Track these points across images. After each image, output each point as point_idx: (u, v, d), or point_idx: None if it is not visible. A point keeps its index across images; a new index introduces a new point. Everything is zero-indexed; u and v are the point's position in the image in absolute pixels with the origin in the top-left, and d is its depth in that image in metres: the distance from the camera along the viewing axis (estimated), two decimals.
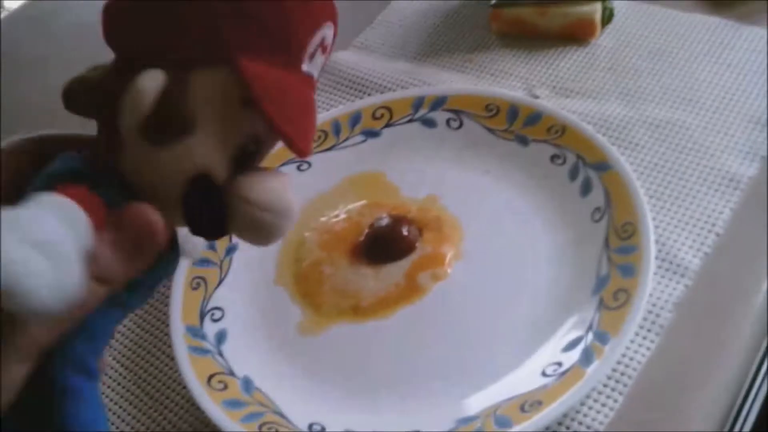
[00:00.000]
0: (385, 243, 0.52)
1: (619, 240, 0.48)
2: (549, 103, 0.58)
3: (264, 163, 0.31)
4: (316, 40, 0.30)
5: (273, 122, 0.27)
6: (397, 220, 0.53)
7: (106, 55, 0.30)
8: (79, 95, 0.29)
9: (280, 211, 0.30)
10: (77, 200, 0.25)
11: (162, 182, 0.28)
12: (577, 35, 0.63)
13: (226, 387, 0.47)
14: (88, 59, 0.30)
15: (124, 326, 0.54)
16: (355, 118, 0.61)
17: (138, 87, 0.27)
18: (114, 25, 0.29)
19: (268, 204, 0.29)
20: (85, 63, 0.30)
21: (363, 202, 0.56)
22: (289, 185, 0.31)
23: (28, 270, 0.22)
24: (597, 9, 0.62)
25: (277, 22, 0.28)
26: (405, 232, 0.52)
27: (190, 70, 0.27)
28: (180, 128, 0.27)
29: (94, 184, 0.27)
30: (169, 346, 0.49)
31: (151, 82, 0.27)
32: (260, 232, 0.30)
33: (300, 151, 0.28)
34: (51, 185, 0.27)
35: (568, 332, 0.45)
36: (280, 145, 0.56)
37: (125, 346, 0.53)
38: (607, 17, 0.64)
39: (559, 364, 0.44)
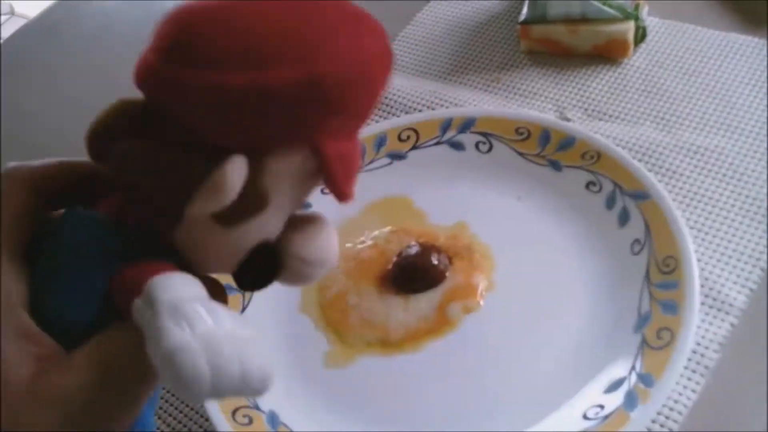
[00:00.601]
0: (415, 272, 0.50)
1: (661, 275, 0.46)
2: (581, 126, 0.57)
3: None
4: None
5: (339, 189, 0.26)
6: (427, 249, 0.51)
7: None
8: (125, 159, 0.27)
9: (328, 264, 0.30)
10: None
11: (223, 255, 0.27)
12: (608, 55, 0.62)
13: (251, 421, 0.46)
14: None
15: None
16: (381, 140, 0.59)
17: (225, 177, 0.24)
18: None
19: (320, 261, 0.29)
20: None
21: (389, 228, 0.55)
22: (334, 236, 0.30)
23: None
24: (630, 28, 0.60)
25: (365, 106, 0.27)
26: (435, 261, 0.50)
27: (268, 154, 0.26)
28: (256, 210, 0.26)
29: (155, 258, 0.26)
30: None
31: (238, 171, 0.25)
32: (306, 281, 0.30)
33: (346, 198, 0.27)
34: (113, 263, 0.26)
35: (609, 372, 0.44)
36: None
37: None
38: (640, 36, 0.62)
39: (601, 406, 0.42)
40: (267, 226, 0.27)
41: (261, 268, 0.28)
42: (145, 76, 0.26)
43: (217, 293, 0.29)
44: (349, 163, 0.27)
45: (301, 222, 0.29)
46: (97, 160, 0.28)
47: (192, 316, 0.23)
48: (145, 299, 0.24)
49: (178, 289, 0.24)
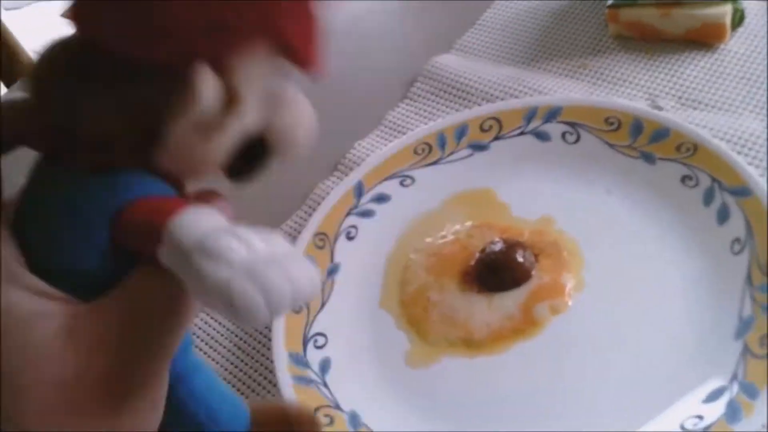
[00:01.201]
0: (499, 270, 0.49)
1: (764, 277, 0.43)
2: (675, 115, 0.54)
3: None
4: None
5: (305, 63, 0.27)
6: (512, 245, 0.49)
7: None
8: (81, 103, 0.26)
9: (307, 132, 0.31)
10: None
11: (210, 160, 0.28)
12: (704, 40, 0.58)
13: (332, 421, 0.45)
14: None
15: (221, 353, 0.52)
16: (462, 131, 0.57)
17: (198, 85, 0.25)
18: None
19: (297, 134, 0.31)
20: None
21: (471, 222, 0.53)
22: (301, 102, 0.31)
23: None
24: (727, 11, 0.57)
25: None
26: (520, 259, 0.48)
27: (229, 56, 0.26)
28: (232, 111, 0.27)
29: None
30: (272, 372, 0.47)
31: (206, 78, 0.25)
32: (297, 150, 0.31)
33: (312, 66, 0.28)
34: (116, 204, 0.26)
35: (707, 380, 0.41)
36: (381, 161, 0.54)
37: (226, 370, 0.51)
38: (738, 20, 0.58)
39: (700, 417, 0.40)
40: (246, 120, 0.27)
41: (251, 156, 0.29)
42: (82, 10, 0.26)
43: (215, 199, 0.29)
44: (306, 32, 0.27)
45: (277, 103, 0.29)
46: (41, 102, 0.27)
47: (226, 251, 0.23)
48: (169, 247, 0.24)
49: (200, 227, 0.24)
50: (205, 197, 0.29)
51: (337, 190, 0.55)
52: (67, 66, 0.27)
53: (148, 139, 0.26)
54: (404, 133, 0.61)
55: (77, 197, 0.27)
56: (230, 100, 0.26)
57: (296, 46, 0.27)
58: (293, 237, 0.56)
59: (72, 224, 0.26)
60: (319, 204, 0.56)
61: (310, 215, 0.56)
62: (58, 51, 0.27)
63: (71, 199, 0.27)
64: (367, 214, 0.55)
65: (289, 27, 0.26)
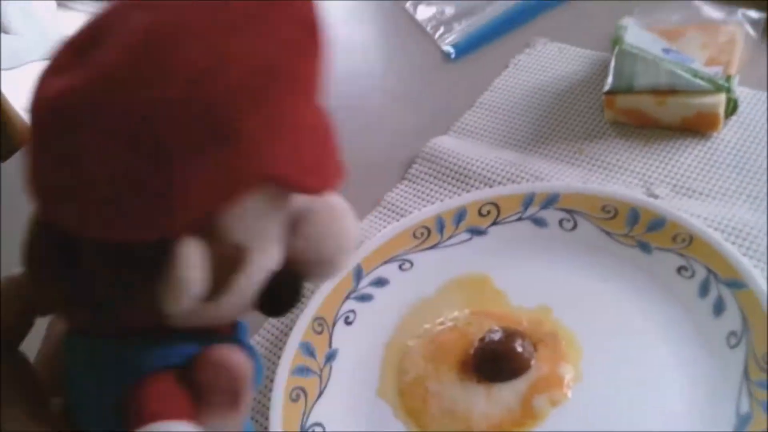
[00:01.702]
0: (498, 360, 0.49)
1: (761, 372, 0.43)
2: (670, 204, 0.54)
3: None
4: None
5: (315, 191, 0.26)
6: (511, 335, 0.49)
7: None
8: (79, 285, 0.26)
9: (344, 254, 0.30)
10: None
11: (231, 311, 0.27)
12: (698, 128, 0.59)
13: None
14: None
15: None
16: (460, 215, 0.58)
17: (181, 271, 0.24)
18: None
19: (333, 257, 0.29)
20: None
21: (469, 309, 0.53)
22: (335, 219, 0.30)
23: None
24: (721, 101, 0.58)
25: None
26: (519, 349, 0.49)
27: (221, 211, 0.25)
28: (239, 269, 0.26)
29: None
30: None
31: (192, 256, 0.24)
32: (333, 273, 0.30)
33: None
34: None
35: None
36: (380, 243, 0.54)
37: None
38: (731, 109, 0.59)
39: None
40: (263, 263, 0.26)
41: (282, 288, 0.28)
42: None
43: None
44: (311, 164, 0.26)
45: (299, 223, 0.28)
46: (41, 284, 0.27)
47: None
48: None
49: None
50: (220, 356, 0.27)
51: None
52: (53, 253, 0.26)
53: (153, 320, 0.26)
54: (403, 215, 0.61)
55: (95, 369, 0.27)
56: (234, 256, 0.25)
57: (306, 184, 0.25)
58: (292, 320, 0.56)
59: (94, 392, 0.27)
60: (317, 286, 0.56)
61: (308, 297, 0.56)
62: (41, 234, 0.27)
63: (92, 370, 0.27)
64: (365, 298, 0.55)
65: (291, 165, 0.25)
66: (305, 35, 0.25)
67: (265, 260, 0.27)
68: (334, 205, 0.29)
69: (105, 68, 0.23)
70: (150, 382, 0.26)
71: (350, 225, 0.29)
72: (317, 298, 0.54)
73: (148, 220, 0.23)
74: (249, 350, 0.28)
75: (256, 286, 0.27)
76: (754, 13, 0.63)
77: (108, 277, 0.25)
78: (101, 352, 0.27)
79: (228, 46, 0.23)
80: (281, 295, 0.28)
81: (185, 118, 0.23)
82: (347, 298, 0.55)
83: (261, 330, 0.57)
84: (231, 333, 0.30)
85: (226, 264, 0.25)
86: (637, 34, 0.62)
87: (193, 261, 0.24)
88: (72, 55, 0.25)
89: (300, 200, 0.28)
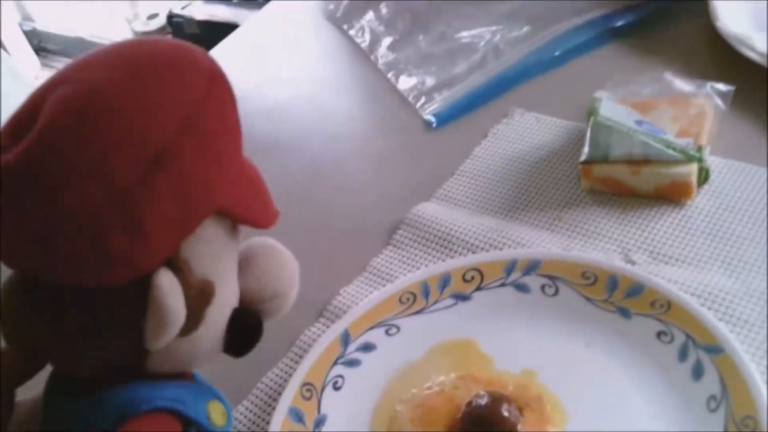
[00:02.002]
0: (485, 425, 0.49)
1: None
2: (647, 270, 0.56)
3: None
4: None
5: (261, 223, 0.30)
6: (497, 399, 0.50)
7: None
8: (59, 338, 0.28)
9: (290, 291, 0.35)
10: None
11: (203, 350, 0.29)
12: (672, 197, 0.62)
13: None
14: None
15: None
16: (445, 280, 0.59)
17: (163, 305, 0.26)
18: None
19: (280, 292, 0.34)
20: None
21: (455, 374, 0.54)
22: (279, 257, 0.35)
23: None
24: (693, 170, 0.61)
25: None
26: (506, 413, 0.50)
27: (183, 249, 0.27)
28: (209, 301, 0.28)
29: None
30: None
31: (170, 289, 0.26)
32: (284, 310, 0.34)
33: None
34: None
35: None
36: (367, 309, 0.55)
37: None
38: (704, 177, 0.62)
39: None
40: (227, 297, 0.28)
41: (243, 326, 0.30)
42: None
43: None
44: (252, 192, 0.29)
45: (245, 263, 0.31)
46: (19, 346, 0.29)
47: None
48: None
49: None
50: None
51: (324, 338, 0.57)
52: (29, 304, 0.28)
53: (135, 361, 0.27)
54: (388, 280, 0.63)
55: (76, 422, 0.28)
56: (202, 289, 0.27)
57: (250, 215, 0.29)
58: (280, 385, 0.56)
59: None
60: (305, 351, 0.57)
61: (296, 362, 0.57)
62: (17, 286, 0.28)
63: (74, 421, 0.28)
64: (353, 363, 0.56)
65: (237, 198, 0.28)
66: (214, 86, 0.29)
67: (228, 294, 0.29)
68: (272, 244, 0.32)
69: (42, 135, 0.26)
70: (136, 425, 0.27)
71: (290, 261, 0.33)
72: (305, 364, 0.55)
73: (125, 260, 0.26)
74: (213, 392, 0.30)
75: (224, 319, 0.29)
76: (722, 86, 0.66)
77: (90, 321, 0.26)
78: (80, 406, 0.28)
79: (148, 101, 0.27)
80: (244, 332, 0.31)
81: (133, 158, 0.26)
82: (335, 363, 0.56)
83: (249, 395, 0.57)
84: (192, 380, 0.32)
85: (197, 296, 0.27)
86: (611, 107, 0.65)
87: (171, 289, 0.26)
88: (14, 129, 0.28)
89: (241, 245, 0.31)
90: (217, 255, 0.28)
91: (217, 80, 0.29)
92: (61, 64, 2.27)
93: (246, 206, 0.29)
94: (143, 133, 0.26)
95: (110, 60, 0.28)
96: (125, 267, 0.25)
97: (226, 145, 0.28)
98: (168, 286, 0.26)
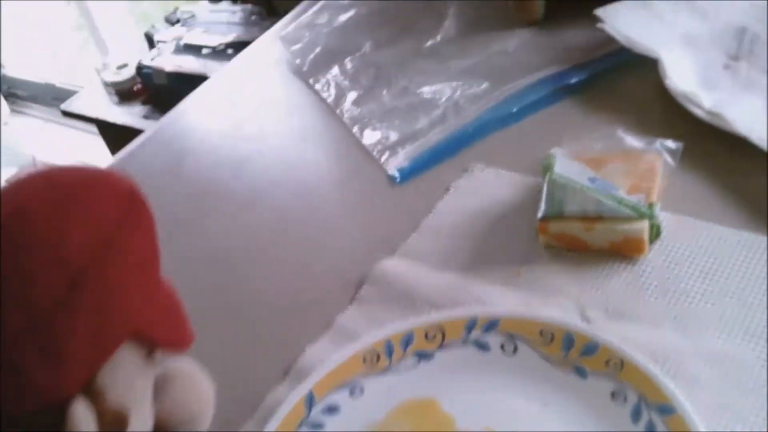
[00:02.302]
0: None
1: None
2: (602, 327, 0.58)
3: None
4: None
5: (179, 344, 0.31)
6: None
7: None
8: None
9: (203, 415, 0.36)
10: None
11: None
12: (626, 252, 0.64)
13: None
14: None
15: None
16: (408, 339, 0.61)
17: (81, 428, 0.27)
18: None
19: (193, 417, 0.35)
20: None
21: None
22: (192, 383, 0.36)
23: None
24: (645, 227, 0.63)
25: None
26: None
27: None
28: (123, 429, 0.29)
29: None
30: None
31: (86, 419, 0.27)
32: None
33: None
34: None
35: None
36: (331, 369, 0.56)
37: None
38: (655, 234, 0.64)
39: None
40: (141, 424, 0.29)
41: None
42: None
43: None
44: (169, 314, 0.30)
45: (161, 387, 0.32)
46: None
47: None
48: None
49: None
50: None
51: (288, 401, 0.58)
52: None
53: None
54: (354, 338, 0.64)
55: None
56: (116, 418, 0.28)
57: (167, 338, 0.30)
58: None
59: None
60: (270, 413, 0.58)
61: (261, 426, 0.58)
62: None
63: None
64: (317, 426, 0.57)
65: (153, 322, 0.29)
66: (133, 210, 0.31)
67: (142, 421, 0.30)
68: (189, 367, 0.33)
69: None
70: None
71: (205, 383, 0.34)
72: (269, 428, 0.56)
73: (43, 386, 0.27)
74: None
75: None
76: (671, 143, 0.68)
77: None
78: None
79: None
80: None
81: (53, 279, 0.27)
82: (300, 426, 0.57)
83: None
84: None
85: (110, 423, 0.28)
86: (565, 164, 0.67)
87: (86, 419, 0.27)
88: None
89: (157, 369, 0.32)
90: (132, 381, 0.29)
91: (136, 203, 0.31)
92: (30, 110, 2.27)
93: (162, 328, 0.30)
94: (63, 254, 0.27)
95: (37, 183, 0.29)
96: (43, 393, 0.26)
97: (144, 266, 0.30)
98: (82, 416, 0.27)
